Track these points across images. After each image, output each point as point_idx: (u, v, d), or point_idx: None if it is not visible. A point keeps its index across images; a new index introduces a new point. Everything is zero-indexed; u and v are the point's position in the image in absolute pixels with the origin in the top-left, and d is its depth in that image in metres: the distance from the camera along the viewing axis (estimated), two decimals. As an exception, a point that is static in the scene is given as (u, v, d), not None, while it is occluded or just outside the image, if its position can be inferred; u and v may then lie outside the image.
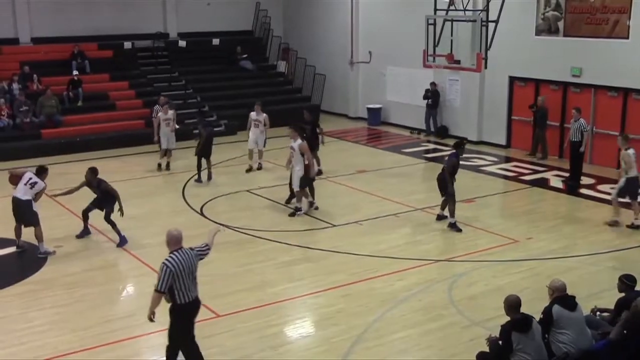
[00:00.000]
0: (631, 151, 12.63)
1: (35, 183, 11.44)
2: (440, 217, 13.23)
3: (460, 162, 13.05)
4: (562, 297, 7.20)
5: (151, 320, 7.37)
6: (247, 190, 15.34)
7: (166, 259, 7.17)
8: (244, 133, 17.93)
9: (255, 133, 16.80)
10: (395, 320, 9.15)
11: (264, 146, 16.96)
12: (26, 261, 11.43)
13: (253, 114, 16.84)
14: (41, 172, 11.68)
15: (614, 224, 12.83)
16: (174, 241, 7.32)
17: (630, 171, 12.56)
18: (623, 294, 7.70)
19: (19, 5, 22.14)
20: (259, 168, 16.99)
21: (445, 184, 12.76)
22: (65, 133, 19.79)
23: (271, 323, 9.08)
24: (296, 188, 13.44)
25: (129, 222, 12.26)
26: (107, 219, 12.10)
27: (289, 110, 23.25)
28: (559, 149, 17.80)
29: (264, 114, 16.85)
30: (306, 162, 13.24)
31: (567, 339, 7.00)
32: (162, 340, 8.17)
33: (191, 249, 7.42)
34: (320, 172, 15.75)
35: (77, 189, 12.26)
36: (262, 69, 25.73)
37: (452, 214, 12.77)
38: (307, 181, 13.46)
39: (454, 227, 12.72)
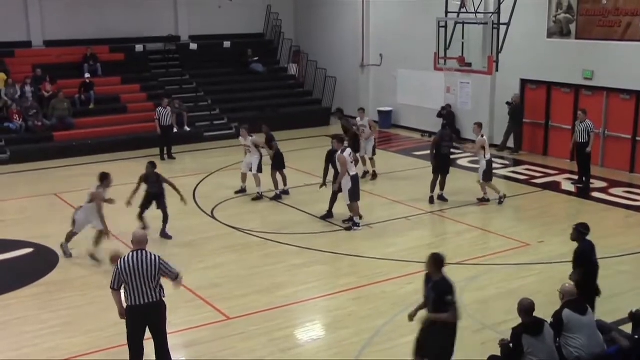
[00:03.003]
0: (486, 137, 14.40)
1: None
2: (441, 198, 14.51)
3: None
4: (572, 302, 7.20)
5: (121, 317, 7.51)
6: (258, 193, 15.34)
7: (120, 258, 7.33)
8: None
9: (249, 158, 14.99)
10: (406, 324, 9.07)
11: (257, 171, 14.82)
12: (40, 263, 11.51)
13: (241, 139, 15.14)
14: (101, 179, 11.41)
15: (485, 201, 14.38)
16: (135, 241, 7.41)
17: (487, 154, 14.15)
18: (577, 244, 8.44)
19: (31, 8, 22.31)
20: (259, 197, 14.92)
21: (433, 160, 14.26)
22: (77, 135, 19.94)
23: (282, 326, 9.11)
24: (347, 202, 12.83)
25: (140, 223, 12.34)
26: (166, 212, 12.40)
27: (299, 114, 23.38)
28: (570, 152, 17.67)
29: (250, 137, 14.80)
30: (340, 174, 12.67)
31: (578, 343, 6.99)
32: (177, 341, 8.24)
33: (160, 258, 7.36)
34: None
35: (139, 185, 12.38)
36: (273, 72, 25.78)
37: (442, 187, 14.46)
38: (356, 194, 12.75)
39: (442, 198, 14.44)
